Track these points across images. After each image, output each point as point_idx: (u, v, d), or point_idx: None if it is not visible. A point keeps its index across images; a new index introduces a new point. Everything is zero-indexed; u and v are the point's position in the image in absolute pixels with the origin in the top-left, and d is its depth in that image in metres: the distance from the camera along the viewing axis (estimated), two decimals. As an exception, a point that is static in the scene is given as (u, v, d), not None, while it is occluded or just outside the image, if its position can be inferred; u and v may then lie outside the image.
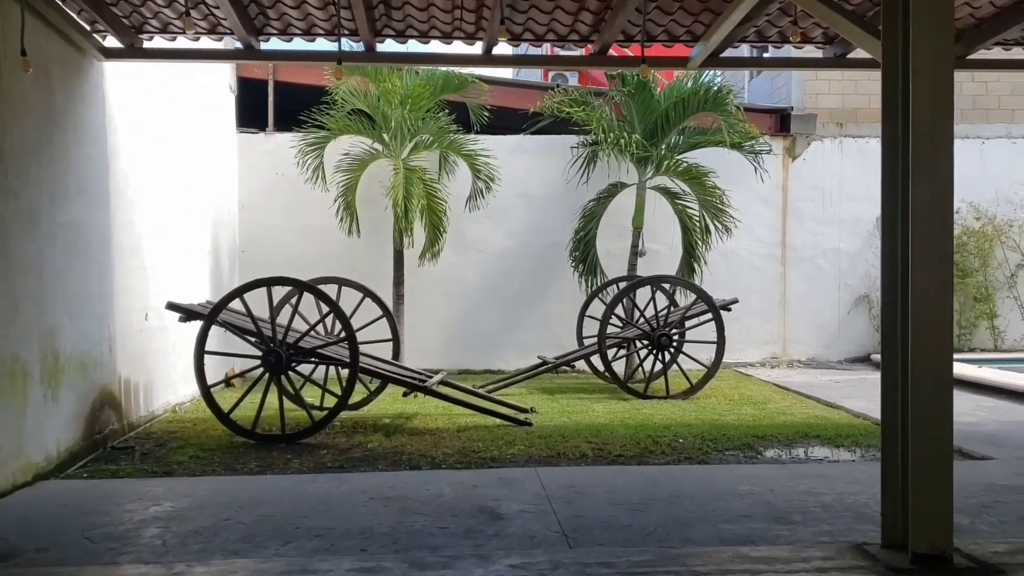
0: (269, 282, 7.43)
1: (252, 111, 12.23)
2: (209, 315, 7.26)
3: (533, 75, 16.69)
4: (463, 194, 11.50)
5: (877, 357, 12.41)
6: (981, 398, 9.50)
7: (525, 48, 9.69)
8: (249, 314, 7.29)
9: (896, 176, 4.25)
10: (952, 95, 4.04)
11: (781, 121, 12.75)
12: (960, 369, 10.65)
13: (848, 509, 5.13)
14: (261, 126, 12.29)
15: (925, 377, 4.03)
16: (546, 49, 8.82)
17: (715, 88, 10.67)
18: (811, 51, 8.03)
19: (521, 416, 8.12)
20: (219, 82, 11.29)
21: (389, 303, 11.19)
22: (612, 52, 7.66)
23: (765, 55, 10.06)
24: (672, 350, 9.98)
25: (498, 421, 7.98)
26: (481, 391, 9.45)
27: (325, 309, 7.77)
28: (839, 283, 12.83)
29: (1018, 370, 11.93)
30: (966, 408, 8.85)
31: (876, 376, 11.89)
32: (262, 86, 12.18)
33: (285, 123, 11.84)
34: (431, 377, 8.17)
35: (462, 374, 11.94)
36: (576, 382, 11.17)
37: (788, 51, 7.92)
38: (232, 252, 11.76)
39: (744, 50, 9.87)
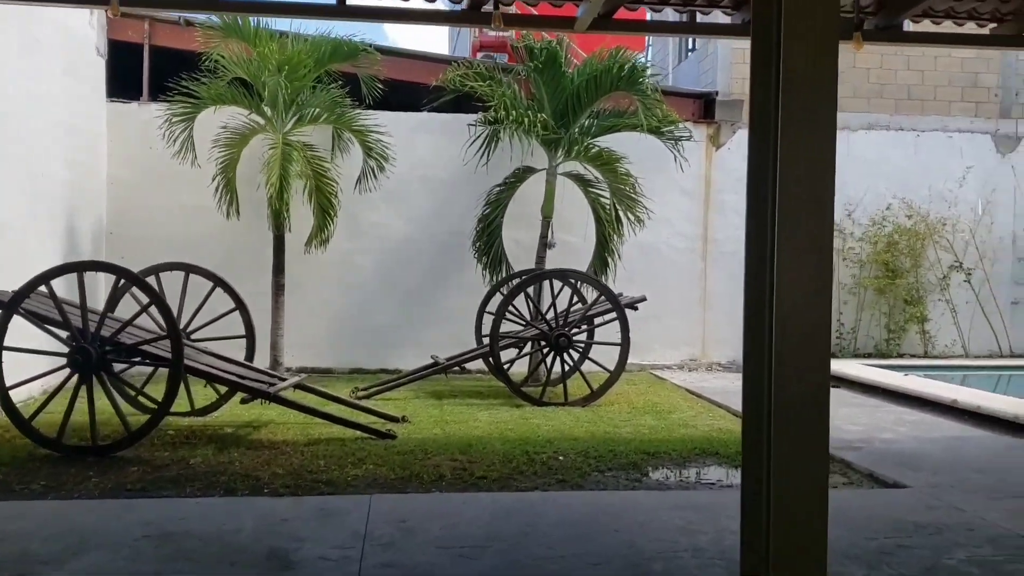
0: (80, 267, 6.33)
1: (131, 79, 11.04)
2: (8, 304, 6.14)
3: (442, 48, 15.65)
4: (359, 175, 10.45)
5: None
6: (905, 410, 8.73)
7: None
8: (56, 303, 6.17)
9: (767, 161, 3.30)
10: (835, 69, 3.13)
11: (705, 107, 11.89)
12: (885, 378, 9.90)
13: (723, 555, 4.21)
14: (138, 95, 11.10)
15: (793, 392, 3.12)
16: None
17: (629, 65, 9.73)
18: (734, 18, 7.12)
19: (386, 427, 7.12)
20: (83, 44, 10.09)
21: (268, 293, 10.15)
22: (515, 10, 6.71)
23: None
24: (573, 351, 9.07)
25: (359, 433, 6.97)
26: (352, 397, 8.49)
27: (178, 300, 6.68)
28: (763, 281, 12.03)
29: (946, 378, 11.25)
30: (887, 422, 8.08)
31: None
32: (138, 50, 10.99)
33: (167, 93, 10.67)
34: (283, 380, 7.14)
35: (354, 373, 10.93)
36: (473, 385, 10.19)
37: (716, 16, 7.01)
38: (98, 233, 10.57)
39: (669, 15, 8.95)
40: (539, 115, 9.93)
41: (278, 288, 10.19)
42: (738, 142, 11.92)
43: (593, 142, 10.34)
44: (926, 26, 7.04)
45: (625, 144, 10.40)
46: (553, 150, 10.37)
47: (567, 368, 9.07)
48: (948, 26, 7.02)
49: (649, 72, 10.44)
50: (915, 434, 7.52)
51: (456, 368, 9.40)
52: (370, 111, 10.50)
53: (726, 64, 11.98)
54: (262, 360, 9.91)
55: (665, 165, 10.63)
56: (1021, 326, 12.34)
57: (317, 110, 10.20)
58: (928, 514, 4.99)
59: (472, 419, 7.88)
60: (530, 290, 9.64)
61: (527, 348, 9.60)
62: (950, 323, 12.17)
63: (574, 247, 11.12)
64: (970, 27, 7.08)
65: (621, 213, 10.18)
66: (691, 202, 11.83)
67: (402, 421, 7.47)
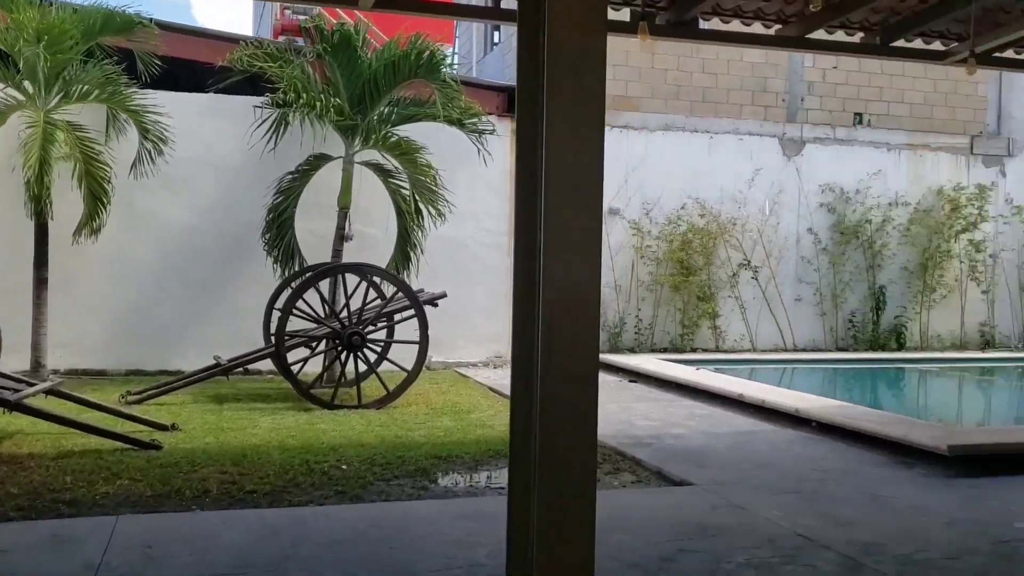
0: None
1: None
2: None
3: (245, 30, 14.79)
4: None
5: (604, 356, 11.72)
6: (696, 405, 8.88)
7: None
8: None
9: (534, 150, 3.02)
10: (603, 62, 2.90)
11: (509, 101, 11.73)
12: (678, 372, 10.08)
13: (500, 568, 3.92)
14: None
15: (559, 394, 2.87)
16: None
17: (428, 53, 9.39)
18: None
19: (151, 437, 6.44)
20: None
21: (29, 286, 9.11)
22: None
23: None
24: (369, 351, 8.64)
25: (119, 444, 6.25)
26: (121, 402, 7.70)
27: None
28: (566, 278, 12.05)
29: (736, 372, 11.66)
30: (679, 417, 8.16)
31: (599, 378, 11.21)
32: None
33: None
34: (31, 385, 6.30)
35: (131, 375, 10.00)
36: (261, 387, 9.53)
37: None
38: None
39: None
40: (333, 99, 9.41)
41: (40, 282, 9.18)
42: (542, 137, 11.87)
43: (393, 131, 9.93)
44: (716, 24, 7.11)
45: (430, 135, 10.05)
46: (350, 137, 9.88)
47: (364, 369, 8.64)
48: (736, 25, 7.13)
49: (449, 62, 10.15)
50: (704, 429, 7.62)
51: (240, 370, 8.73)
52: (149, 90, 9.63)
53: (530, 58, 11.88)
54: (21, 362, 8.89)
55: (470, 158, 10.36)
56: (803, 321, 13.00)
57: (86, 87, 9.23)
58: (711, 514, 4.94)
59: (252, 426, 7.29)
60: (325, 286, 9.12)
61: (320, 347, 9.08)
62: (739, 319, 12.65)
63: (374, 240, 10.67)
64: (757, 27, 7.22)
65: (422, 206, 9.83)
66: (497, 197, 11.63)
67: (171, 430, 6.80)
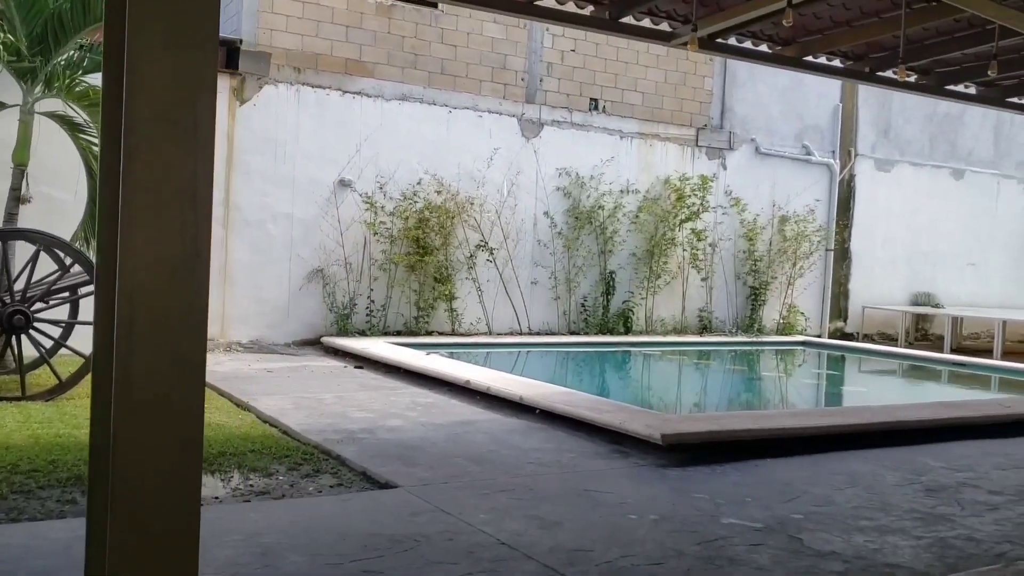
0: None
1: None
2: None
3: None
4: None
5: (330, 340, 10.98)
6: (422, 393, 8.37)
7: None
8: None
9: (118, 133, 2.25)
10: (215, 31, 2.20)
11: (228, 56, 10.61)
12: (407, 358, 9.54)
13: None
14: None
15: (147, 395, 2.15)
16: None
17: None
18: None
19: None
20: None
21: None
22: None
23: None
24: (40, 332, 7.35)
25: None
26: None
27: None
28: (291, 254, 11.14)
29: (470, 356, 11.32)
30: (399, 407, 7.60)
31: (322, 363, 10.40)
32: None
33: None
34: None
35: None
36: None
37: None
38: None
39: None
40: (5, 36, 7.93)
41: None
42: (266, 99, 10.85)
43: (83, 79, 8.57)
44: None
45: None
46: (28, 83, 8.41)
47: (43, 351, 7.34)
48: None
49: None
50: (425, 420, 7.11)
51: None
52: None
53: (252, 11, 10.82)
54: None
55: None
56: (538, 305, 12.93)
57: None
58: (411, 523, 4.39)
59: None
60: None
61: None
62: (476, 301, 12.34)
63: (61, 204, 9.27)
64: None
65: (116, 167, 8.56)
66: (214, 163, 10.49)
67: None
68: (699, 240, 14.00)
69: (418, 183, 11.74)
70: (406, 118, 11.80)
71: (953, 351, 14.93)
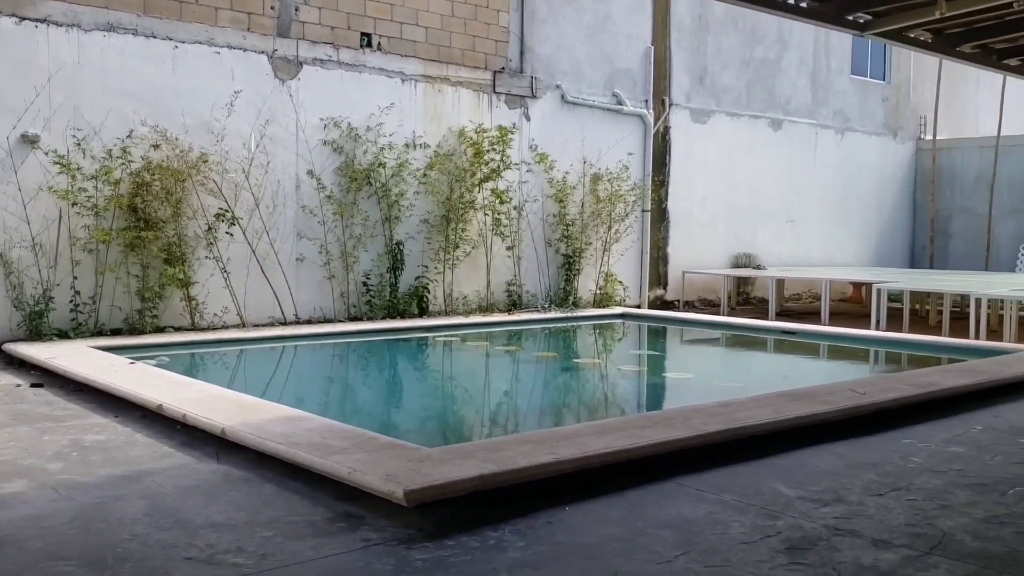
0: None
1: None
2: None
3: None
4: None
5: (12, 347, 8.27)
6: (102, 423, 5.94)
7: None
8: None
9: None
10: None
11: None
12: (96, 372, 7.01)
13: None
14: None
15: None
16: None
17: None
18: None
19: None
20: None
21: None
22: None
23: None
24: None
25: None
26: None
27: None
28: (-53, 235, 8.30)
29: (213, 356, 8.92)
30: (46, 452, 5.20)
31: None
32: None
33: None
34: None
35: None
36: None
37: None
38: None
39: None
40: None
41: None
42: None
43: None
44: None
45: None
46: None
47: None
48: None
49: None
50: (69, 476, 4.71)
51: None
52: None
53: None
54: None
55: None
56: (307, 287, 10.60)
57: None
58: None
59: None
60: None
61: None
62: (221, 284, 9.85)
63: None
64: None
65: None
66: None
67: None
68: (501, 203, 12.03)
69: (128, 136, 9.07)
70: (115, 54, 9.09)
71: (777, 315, 13.76)
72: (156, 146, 9.14)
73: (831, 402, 6.18)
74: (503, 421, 6.77)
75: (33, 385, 7.19)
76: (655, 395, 7.92)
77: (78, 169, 8.76)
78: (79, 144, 8.78)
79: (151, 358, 8.07)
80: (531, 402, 7.51)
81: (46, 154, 8.63)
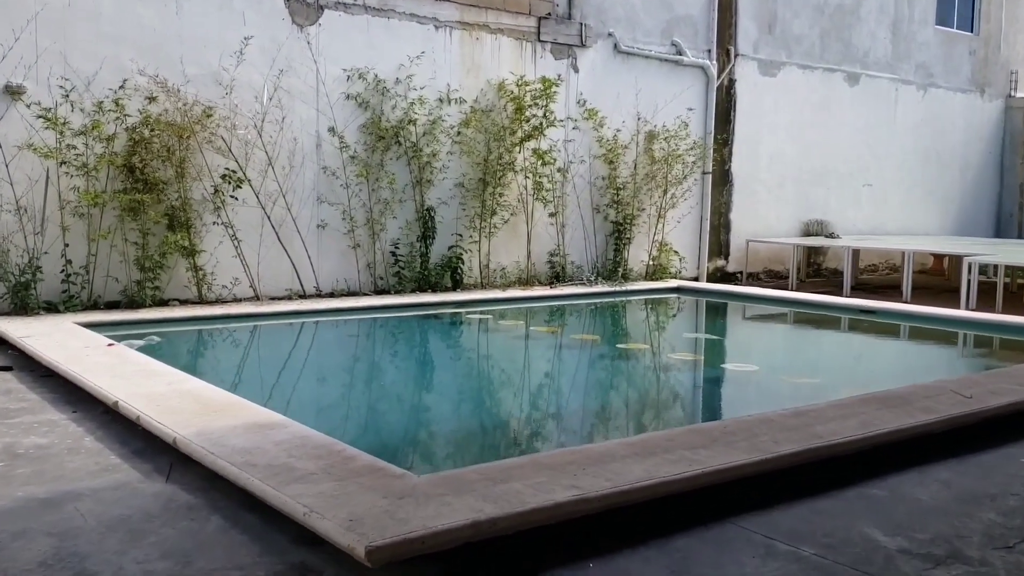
0: None
1: None
2: None
3: None
4: None
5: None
6: (54, 419, 5.08)
7: None
8: None
9: None
10: None
11: None
12: (61, 354, 6.13)
13: None
14: None
15: None
16: None
17: None
18: None
19: None
20: None
21: None
22: None
23: None
24: None
25: None
26: None
27: None
28: (-80, 197, 7.48)
29: (216, 335, 8.06)
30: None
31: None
32: None
33: None
34: None
35: None
36: None
37: None
38: None
39: None
40: None
41: None
42: None
43: None
44: None
45: None
46: None
47: None
48: None
49: None
50: (-26, 500, 3.81)
51: None
52: None
53: None
54: None
55: None
56: (330, 256, 9.64)
57: None
58: None
59: None
60: None
61: None
62: (232, 255, 8.93)
63: None
64: None
65: None
66: None
67: None
68: (544, 164, 10.88)
69: (121, 86, 8.13)
70: (110, -5, 8.15)
71: (852, 289, 12.43)
72: (152, 98, 8.18)
73: (931, 409, 5.00)
74: (522, 428, 5.68)
75: (1, 368, 6.35)
76: (712, 395, 6.75)
77: (65, 124, 7.85)
78: (67, 96, 7.87)
79: (141, 337, 7.19)
80: (560, 403, 6.41)
81: (28, 107, 7.73)
